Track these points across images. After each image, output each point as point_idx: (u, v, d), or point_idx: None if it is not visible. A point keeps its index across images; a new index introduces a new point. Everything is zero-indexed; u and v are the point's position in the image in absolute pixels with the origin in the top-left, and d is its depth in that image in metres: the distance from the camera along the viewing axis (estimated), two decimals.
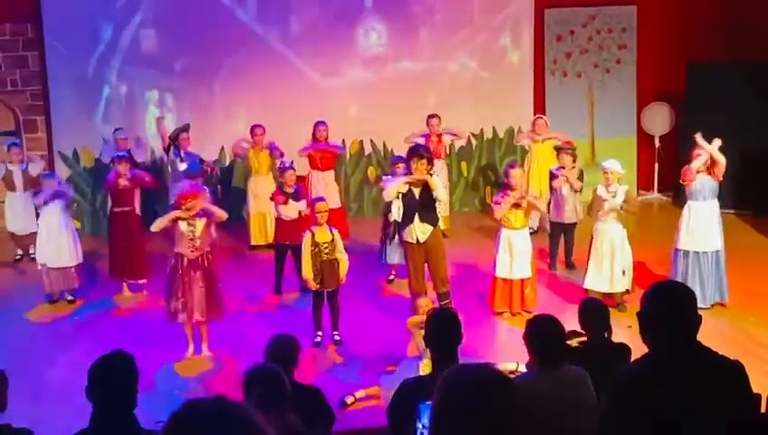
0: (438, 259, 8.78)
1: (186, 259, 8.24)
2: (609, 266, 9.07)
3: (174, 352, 8.45)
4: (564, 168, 10.57)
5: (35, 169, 11.51)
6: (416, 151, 8.76)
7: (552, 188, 10.74)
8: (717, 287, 9.18)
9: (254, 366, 4.59)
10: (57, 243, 9.91)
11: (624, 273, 9.10)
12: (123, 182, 10.13)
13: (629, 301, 8.95)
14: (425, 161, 8.60)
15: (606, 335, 5.79)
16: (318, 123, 11.81)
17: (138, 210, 10.65)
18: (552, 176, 10.67)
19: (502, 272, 9.14)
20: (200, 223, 8.27)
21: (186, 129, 11.78)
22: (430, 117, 12.16)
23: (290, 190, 9.91)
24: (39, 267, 10.06)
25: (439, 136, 12.15)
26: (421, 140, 11.62)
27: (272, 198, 10.05)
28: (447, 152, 12.69)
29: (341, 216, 11.72)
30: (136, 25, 13.20)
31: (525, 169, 11.67)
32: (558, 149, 10.86)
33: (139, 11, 13.17)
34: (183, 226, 8.22)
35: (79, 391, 3.93)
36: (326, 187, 11.71)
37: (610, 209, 9.12)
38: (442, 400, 2.31)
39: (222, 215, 8.52)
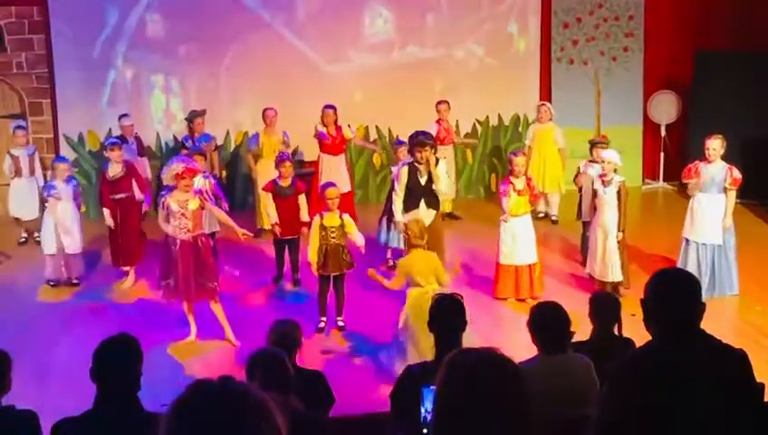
0: (437, 242, 8.86)
1: (178, 240, 8.10)
2: (602, 254, 9.07)
3: (177, 335, 8.48)
4: (596, 162, 9.88)
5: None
6: (417, 140, 8.79)
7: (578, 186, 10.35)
8: (719, 282, 9.13)
9: (257, 350, 4.61)
10: (62, 231, 9.91)
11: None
12: (113, 172, 9.99)
13: (625, 293, 8.95)
14: (428, 148, 8.67)
15: (613, 329, 5.75)
16: (326, 107, 11.78)
17: (138, 195, 10.53)
18: (578, 172, 10.26)
19: (505, 259, 9.18)
20: (193, 202, 8.14)
21: (202, 114, 11.68)
22: (439, 103, 12.24)
23: (285, 184, 9.61)
24: (44, 253, 10.07)
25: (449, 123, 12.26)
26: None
27: (264, 189, 9.95)
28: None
29: (350, 201, 11.72)
30: (142, 9, 13.18)
31: (528, 156, 11.72)
32: (592, 143, 10.30)
33: None
34: (174, 205, 8.08)
35: (83, 373, 3.95)
36: (337, 171, 11.68)
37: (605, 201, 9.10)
38: (445, 383, 2.31)
39: (219, 214, 8.52)
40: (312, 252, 8.44)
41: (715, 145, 9.03)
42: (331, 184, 8.91)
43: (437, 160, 8.95)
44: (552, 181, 12.32)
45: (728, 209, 9.10)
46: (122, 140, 11.26)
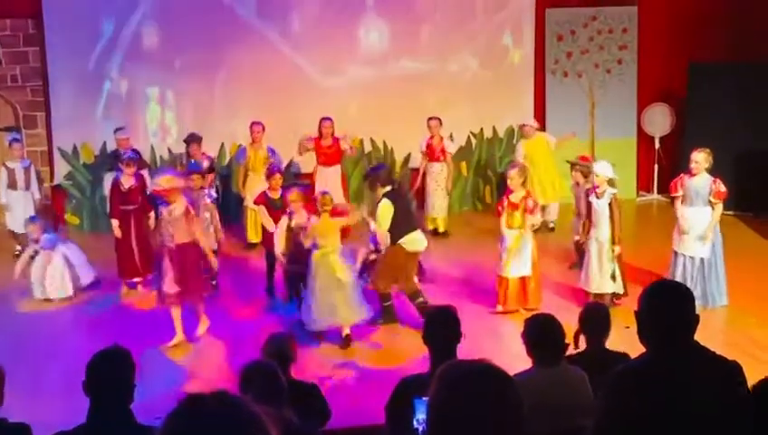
0: (378, 265, 8.96)
1: (165, 247, 8.29)
2: (598, 266, 9.07)
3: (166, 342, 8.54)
4: (578, 184, 10.22)
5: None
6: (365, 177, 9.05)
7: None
8: (709, 294, 9.10)
9: (249, 362, 4.60)
10: (54, 276, 9.97)
11: (614, 277, 9.07)
12: (127, 184, 10.10)
13: (621, 303, 8.93)
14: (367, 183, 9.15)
15: (605, 341, 5.71)
16: (323, 119, 11.82)
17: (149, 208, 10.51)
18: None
19: (500, 270, 9.19)
20: (178, 210, 8.23)
21: (197, 140, 11.60)
22: (430, 119, 12.25)
23: (275, 196, 9.63)
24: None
25: (441, 138, 12.25)
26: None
27: (255, 202, 10.01)
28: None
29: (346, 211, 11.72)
30: (137, 21, 13.20)
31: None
32: (571, 164, 10.51)
33: (140, 7, 13.18)
34: (165, 213, 8.31)
35: (76, 386, 3.93)
36: (332, 182, 11.68)
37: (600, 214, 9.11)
38: (439, 394, 2.30)
39: (198, 231, 8.49)
40: (279, 246, 8.91)
41: (699, 158, 8.99)
42: (294, 186, 9.29)
43: (382, 197, 8.77)
44: (549, 193, 12.35)
45: (711, 223, 9.01)
46: (115, 154, 11.31)
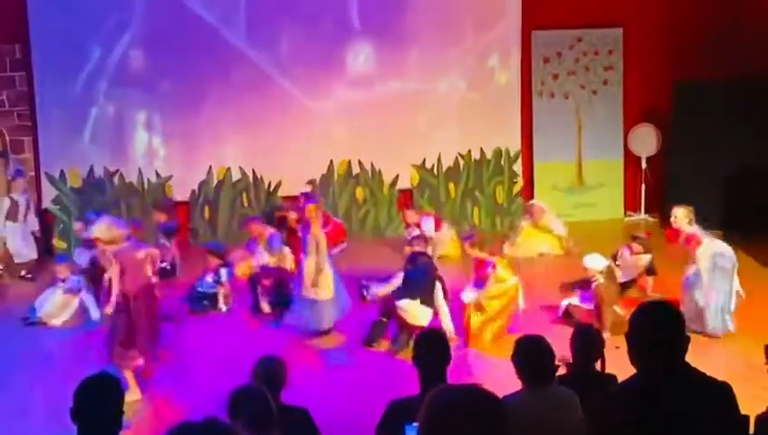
0: None
1: None
2: None
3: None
4: (633, 252, 10.03)
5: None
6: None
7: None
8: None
9: (238, 387, 4.55)
10: (64, 312, 10.02)
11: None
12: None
13: None
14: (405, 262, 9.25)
15: (595, 364, 5.70)
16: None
17: None
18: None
19: None
20: (108, 263, 8.01)
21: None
22: (405, 209, 12.59)
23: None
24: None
25: (417, 225, 12.15)
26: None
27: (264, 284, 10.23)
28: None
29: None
30: (124, 46, 13.19)
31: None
32: (633, 237, 10.27)
33: (127, 32, 13.17)
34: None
35: (63, 413, 3.90)
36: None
37: None
38: (429, 419, 2.30)
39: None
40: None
41: (677, 213, 9.00)
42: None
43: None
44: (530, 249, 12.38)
45: (726, 249, 9.09)
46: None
